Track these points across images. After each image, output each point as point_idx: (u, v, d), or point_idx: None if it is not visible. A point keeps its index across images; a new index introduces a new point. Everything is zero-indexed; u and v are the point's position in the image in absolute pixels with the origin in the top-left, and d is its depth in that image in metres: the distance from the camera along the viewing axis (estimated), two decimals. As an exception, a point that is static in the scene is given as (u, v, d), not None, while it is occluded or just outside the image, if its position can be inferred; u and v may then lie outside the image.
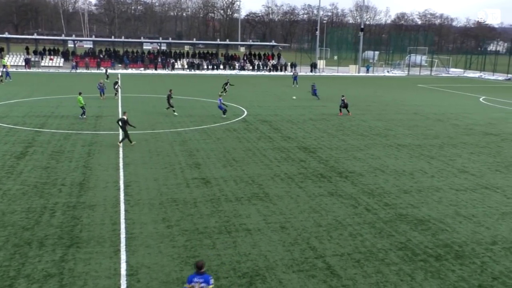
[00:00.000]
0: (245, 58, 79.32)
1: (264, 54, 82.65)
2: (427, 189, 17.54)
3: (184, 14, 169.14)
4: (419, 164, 21.03)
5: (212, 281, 8.84)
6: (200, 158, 20.90)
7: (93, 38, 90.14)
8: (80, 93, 30.11)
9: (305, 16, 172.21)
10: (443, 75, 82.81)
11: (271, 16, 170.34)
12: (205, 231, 13.21)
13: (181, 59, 77.06)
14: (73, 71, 63.62)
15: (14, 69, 60.87)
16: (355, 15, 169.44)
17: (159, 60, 73.64)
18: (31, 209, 14.47)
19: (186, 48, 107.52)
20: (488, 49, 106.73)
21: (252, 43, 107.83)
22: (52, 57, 71.93)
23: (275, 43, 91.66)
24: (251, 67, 76.44)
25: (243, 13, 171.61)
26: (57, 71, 65.85)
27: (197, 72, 70.75)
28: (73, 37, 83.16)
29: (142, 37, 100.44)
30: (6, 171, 18.23)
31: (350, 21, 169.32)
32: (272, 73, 74.45)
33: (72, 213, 14.19)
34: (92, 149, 21.99)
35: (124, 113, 23.28)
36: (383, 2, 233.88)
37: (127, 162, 19.83)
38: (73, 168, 18.84)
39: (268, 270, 11.16)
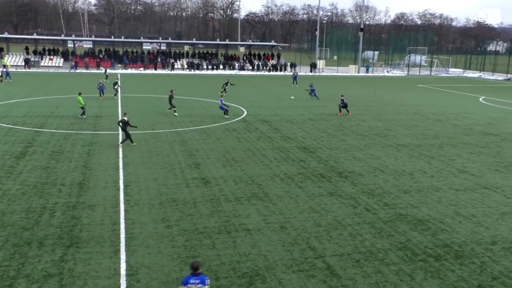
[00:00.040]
0: (244, 58, 79.33)
1: (264, 54, 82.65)
2: (427, 189, 17.55)
3: (183, 14, 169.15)
4: (418, 164, 21.04)
5: (208, 281, 8.83)
6: (199, 158, 20.90)
7: (93, 38, 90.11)
8: (80, 94, 30.12)
9: (304, 16, 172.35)
10: (443, 75, 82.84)
11: (270, 16, 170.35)
12: (204, 231, 13.22)
13: (181, 59, 77.06)
14: (72, 71, 63.61)
15: (13, 69, 60.83)
16: (355, 15, 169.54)
17: (159, 60, 73.64)
18: (31, 209, 14.47)
19: (186, 48, 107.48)
20: (488, 49, 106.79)
21: (252, 43, 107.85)
22: (51, 57, 71.92)
23: (274, 43, 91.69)
24: (250, 67, 76.44)
25: (242, 13, 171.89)
26: (56, 71, 65.85)
27: (197, 72, 70.75)
28: (73, 37, 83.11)
29: (141, 37, 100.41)
30: (6, 171, 18.23)
31: (350, 21, 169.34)
32: (271, 73, 74.45)
33: (72, 213, 14.19)
34: (92, 149, 21.99)
35: (124, 114, 23.28)
36: (383, 2, 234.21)
37: (127, 162, 19.84)
38: (73, 168, 18.84)
39: (268, 270, 11.17)
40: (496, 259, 12.05)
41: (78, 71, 64.36)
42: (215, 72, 71.22)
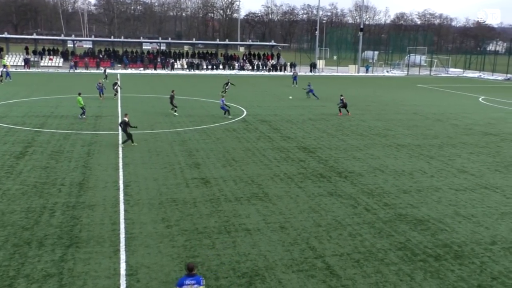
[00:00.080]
0: (244, 58, 79.32)
1: (264, 54, 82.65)
2: (427, 189, 17.55)
3: (183, 14, 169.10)
4: (418, 164, 21.05)
5: (203, 281, 8.79)
6: (199, 158, 20.91)
7: (93, 38, 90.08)
8: (79, 94, 30.12)
9: (304, 16, 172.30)
10: (443, 75, 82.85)
11: (270, 16, 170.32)
12: (204, 231, 13.22)
13: (181, 59, 77.06)
14: (72, 71, 63.60)
15: (13, 69, 60.79)
16: (355, 15, 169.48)
17: (159, 60, 73.63)
18: (31, 209, 14.47)
19: (186, 48, 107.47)
20: (488, 49, 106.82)
21: (252, 43, 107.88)
22: (51, 57, 71.90)
23: (274, 43, 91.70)
24: (250, 67, 76.44)
25: (242, 13, 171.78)
26: (56, 71, 65.83)
27: (197, 72, 70.75)
28: (73, 37, 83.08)
29: (141, 37, 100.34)
30: (6, 171, 18.23)
31: (350, 21, 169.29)
32: (271, 73, 74.45)
33: (72, 213, 14.19)
34: (92, 149, 21.99)
35: (125, 115, 23.27)
36: (383, 2, 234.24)
37: (127, 162, 19.84)
38: (73, 168, 18.84)
39: (268, 270, 11.17)
40: (496, 259, 12.05)
41: (77, 71, 64.36)
42: (215, 72, 71.23)
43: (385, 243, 12.79)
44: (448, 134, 28.01)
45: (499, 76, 77.73)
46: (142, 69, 70.16)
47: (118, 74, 58.11)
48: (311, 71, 76.81)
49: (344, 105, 33.97)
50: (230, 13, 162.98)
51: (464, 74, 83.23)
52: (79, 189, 16.40)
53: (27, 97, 37.99)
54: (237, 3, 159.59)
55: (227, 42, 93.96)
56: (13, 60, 68.50)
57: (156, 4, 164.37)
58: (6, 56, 69.21)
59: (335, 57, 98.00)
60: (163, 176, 18.11)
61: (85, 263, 11.20)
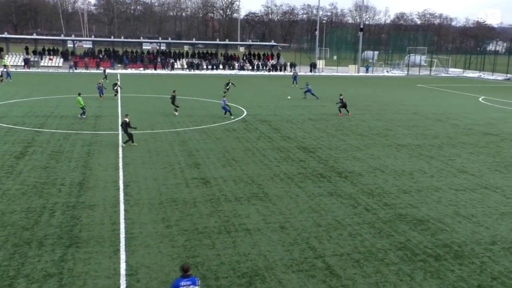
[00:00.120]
0: (244, 58, 79.33)
1: (264, 54, 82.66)
2: (427, 189, 17.56)
3: (183, 14, 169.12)
4: (418, 164, 21.05)
5: (199, 282, 8.74)
6: (199, 158, 20.91)
7: (93, 38, 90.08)
8: (79, 94, 30.12)
9: (304, 16, 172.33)
10: (443, 75, 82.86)
11: (270, 16, 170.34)
12: (204, 231, 13.22)
13: (181, 59, 77.06)
14: (71, 71, 63.60)
15: (13, 69, 60.78)
16: (355, 15, 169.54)
17: (159, 60, 73.64)
18: (31, 209, 14.47)
19: (186, 48, 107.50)
20: (488, 49, 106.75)
21: (252, 43, 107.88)
22: (51, 57, 71.91)
23: (274, 43, 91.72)
24: (250, 67, 76.45)
25: (242, 13, 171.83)
26: (56, 71, 65.83)
27: (197, 72, 70.76)
28: (73, 37, 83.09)
29: (141, 37, 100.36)
30: (6, 171, 18.23)
31: (350, 21, 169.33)
32: (271, 73, 74.46)
33: (72, 213, 14.19)
34: (92, 149, 21.99)
35: (126, 116, 23.27)
36: (383, 2, 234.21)
37: (127, 162, 19.84)
38: (73, 168, 18.84)
39: (268, 270, 11.17)
40: (496, 259, 12.05)
41: (77, 71, 64.36)
42: (215, 72, 71.24)
43: (385, 243, 12.79)
44: (448, 134, 28.01)
45: (499, 76, 77.74)
46: (142, 69, 70.16)
47: (118, 74, 58.11)
48: (311, 71, 76.82)
49: (344, 105, 33.97)
50: (230, 13, 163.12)
51: (464, 74, 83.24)
52: (79, 189, 16.40)
53: (27, 97, 38.00)
54: (237, 3, 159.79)
55: (227, 42, 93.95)
56: (13, 60, 68.51)
57: (156, 4, 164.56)
58: (6, 56, 69.23)
59: (335, 57, 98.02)
60: (163, 176, 18.11)
61: (85, 263, 11.21)
